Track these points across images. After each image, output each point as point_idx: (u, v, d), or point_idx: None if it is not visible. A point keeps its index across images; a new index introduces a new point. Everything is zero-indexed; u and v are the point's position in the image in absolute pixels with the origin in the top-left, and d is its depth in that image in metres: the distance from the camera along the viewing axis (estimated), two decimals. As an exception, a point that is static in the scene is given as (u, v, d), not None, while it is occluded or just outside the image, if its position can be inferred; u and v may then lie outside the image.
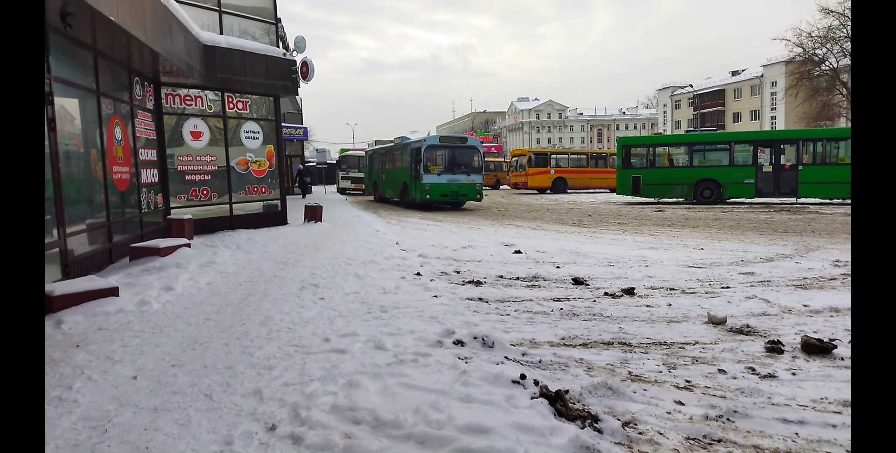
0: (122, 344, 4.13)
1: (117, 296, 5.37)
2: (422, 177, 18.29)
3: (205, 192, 11.28)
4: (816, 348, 3.89)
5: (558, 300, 5.63)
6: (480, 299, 5.65)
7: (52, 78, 6.04)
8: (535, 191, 32.36)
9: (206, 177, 11.28)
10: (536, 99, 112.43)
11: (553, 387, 3.11)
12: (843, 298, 5.44)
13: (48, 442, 2.60)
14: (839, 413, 2.94)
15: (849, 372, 3.53)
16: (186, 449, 2.54)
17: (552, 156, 33.02)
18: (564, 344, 4.17)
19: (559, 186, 31.67)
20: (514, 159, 34.43)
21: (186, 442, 2.60)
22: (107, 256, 7.61)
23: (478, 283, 6.45)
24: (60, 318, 4.69)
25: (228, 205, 11.73)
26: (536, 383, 3.19)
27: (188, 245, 8.02)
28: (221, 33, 11.12)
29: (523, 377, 3.24)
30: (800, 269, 7.12)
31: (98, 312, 4.94)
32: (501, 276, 6.87)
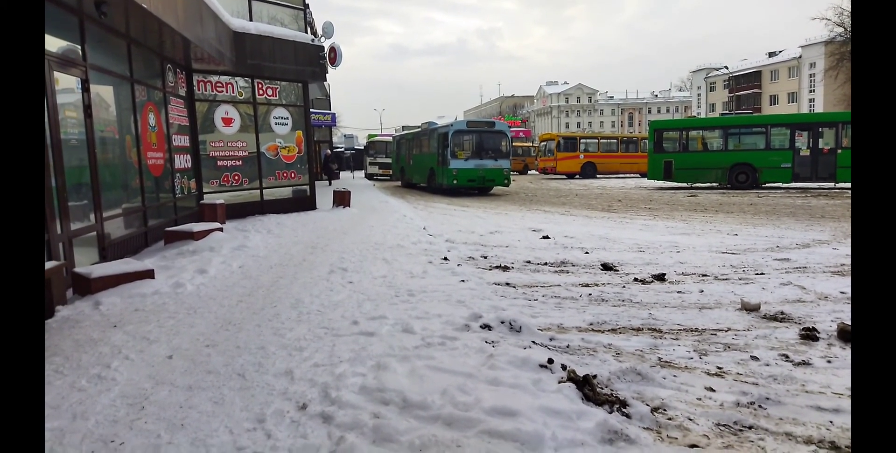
0: (158, 324, 4.25)
1: (153, 278, 5.51)
2: (449, 162, 18.24)
3: (236, 178, 11.45)
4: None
5: (587, 285, 5.58)
6: (508, 284, 5.64)
7: (87, 66, 6.17)
8: (564, 176, 32.03)
9: (238, 163, 11.45)
10: (565, 82, 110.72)
11: (581, 372, 3.10)
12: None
13: (88, 417, 2.70)
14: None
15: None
16: (220, 426, 2.61)
17: (581, 140, 32.57)
18: (593, 330, 4.15)
19: (588, 171, 31.29)
20: (542, 144, 34.08)
21: (220, 420, 2.67)
22: (142, 240, 7.81)
23: (505, 268, 6.44)
24: (98, 300, 4.84)
25: (259, 191, 11.90)
26: (564, 367, 3.18)
27: (220, 229, 8.17)
28: (251, 20, 11.19)
29: (551, 361, 3.24)
30: (837, 255, 6.92)
31: (134, 294, 5.08)
32: (529, 261, 6.84)
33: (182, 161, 9.78)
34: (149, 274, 5.53)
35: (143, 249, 7.65)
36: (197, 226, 7.77)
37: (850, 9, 34.74)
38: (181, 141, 9.80)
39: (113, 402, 2.89)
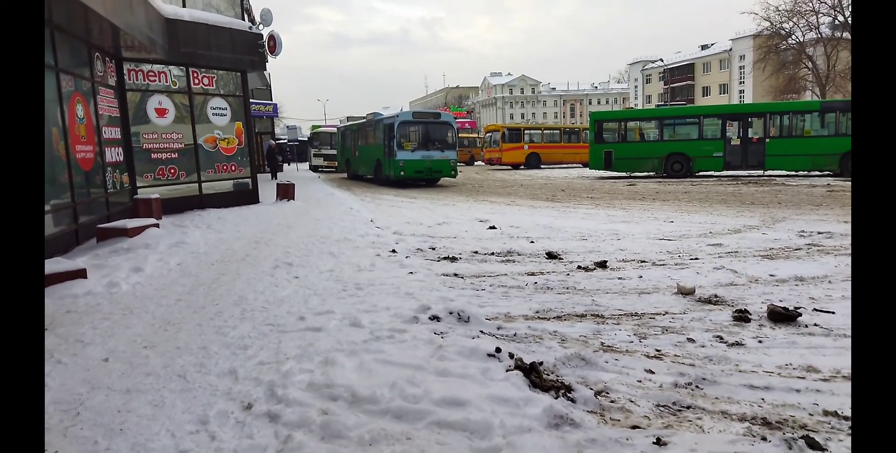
0: (92, 326, 4.06)
1: (85, 277, 5.27)
2: (395, 153, 18.12)
3: (172, 171, 11.02)
4: (782, 316, 4.01)
5: (532, 274, 5.69)
6: (456, 275, 5.68)
7: (4, 53, 5.78)
8: (510, 167, 32.40)
9: (173, 156, 11.01)
10: (509, 74, 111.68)
11: (528, 360, 3.16)
12: (808, 268, 5.61)
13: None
14: (803, 378, 3.05)
15: (813, 339, 3.66)
16: (161, 429, 2.53)
17: (525, 131, 33.02)
18: (539, 318, 4.23)
19: (533, 162, 31.76)
20: (487, 135, 34.35)
21: (161, 423, 2.59)
22: (73, 238, 7.42)
23: (453, 259, 6.48)
24: (26, 302, 4.58)
25: (197, 184, 11.49)
26: (511, 356, 3.24)
27: (157, 225, 7.87)
28: (184, 6, 10.75)
29: (498, 350, 3.28)
30: (766, 240, 7.30)
31: (66, 295, 4.84)
32: (476, 252, 6.90)
33: (113, 154, 9.34)
34: (81, 273, 5.27)
35: (74, 248, 7.28)
36: (131, 223, 7.45)
37: (775, 4, 36.46)
38: (112, 133, 9.35)
39: (45, 409, 2.74)
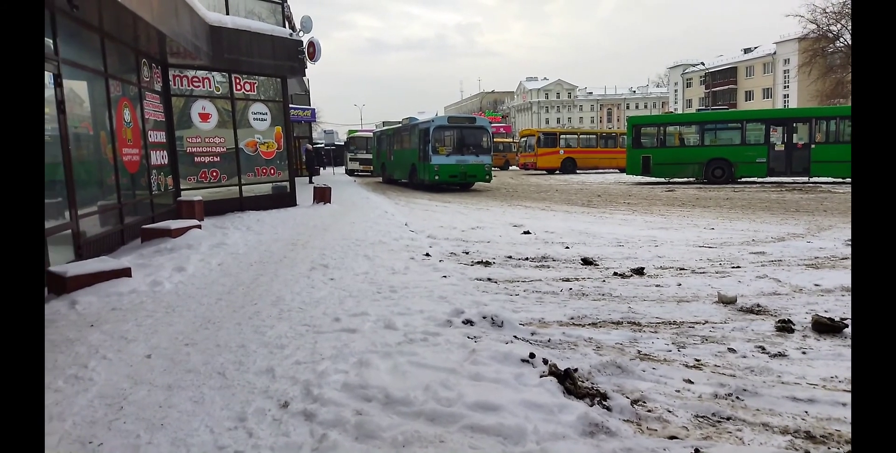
0: (136, 323, 4.19)
1: (130, 276, 5.43)
2: (430, 158, 18.21)
3: (214, 174, 11.31)
4: (827, 327, 3.88)
5: (567, 280, 5.63)
6: (489, 279, 5.66)
7: (60, 60, 6.03)
8: (545, 172, 32.15)
9: (216, 159, 11.30)
10: (545, 78, 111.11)
11: (562, 366, 3.12)
12: (855, 277, 5.40)
13: (66, 418, 2.66)
14: (849, 391, 2.94)
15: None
16: (200, 425, 2.59)
17: (561, 136, 32.73)
18: (573, 324, 4.18)
19: (568, 166, 31.45)
20: (522, 139, 34.19)
21: (200, 419, 2.65)
22: (119, 238, 7.68)
23: (487, 264, 6.46)
24: (74, 299, 4.75)
25: (238, 187, 11.77)
26: (545, 362, 3.21)
27: (199, 226, 8.07)
28: (228, 13, 11.04)
29: (532, 356, 3.26)
30: (811, 249, 7.07)
31: (111, 293, 5.00)
32: (510, 257, 6.87)
33: (158, 157, 9.63)
34: (126, 272, 5.44)
35: (120, 247, 7.53)
36: (174, 224, 7.66)
37: (822, 6, 35.38)
38: (157, 137, 9.64)
39: (91, 403, 2.84)
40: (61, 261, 5.74)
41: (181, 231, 7.52)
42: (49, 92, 5.86)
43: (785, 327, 3.97)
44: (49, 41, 5.94)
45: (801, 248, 7.12)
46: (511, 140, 45.69)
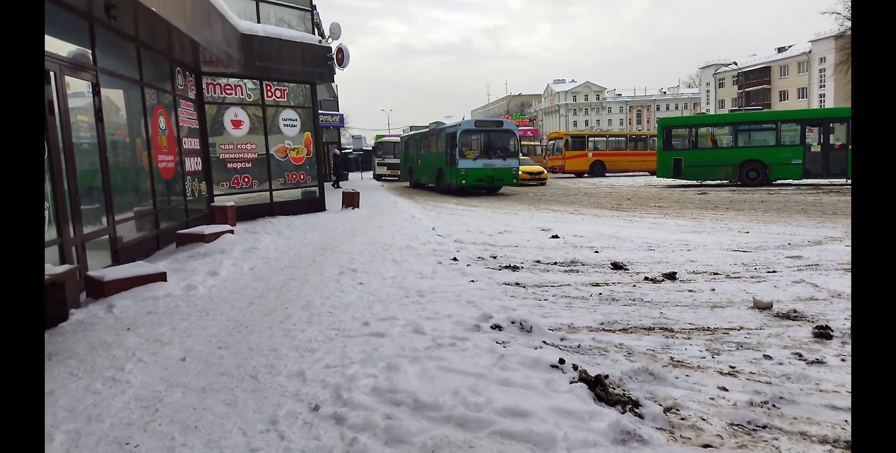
0: (171, 327, 4.28)
1: (165, 281, 5.55)
2: (457, 162, 18.23)
3: (246, 180, 11.52)
4: (868, 334, 3.75)
5: (597, 285, 5.57)
6: (517, 284, 5.63)
7: (97, 69, 6.22)
8: (573, 175, 31.95)
9: (247, 165, 11.52)
10: (573, 80, 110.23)
11: (592, 372, 3.09)
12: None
13: (103, 420, 2.73)
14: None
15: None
16: (234, 428, 2.63)
17: (589, 138, 32.48)
18: (604, 330, 4.13)
19: (597, 169, 31.19)
20: (550, 142, 34.03)
21: (234, 422, 2.69)
22: (154, 243, 7.86)
23: (515, 268, 6.43)
24: (111, 303, 4.88)
25: (269, 193, 11.97)
26: (575, 368, 3.18)
27: (231, 231, 8.21)
28: (259, 22, 11.24)
29: (562, 361, 3.23)
30: (849, 253, 6.86)
31: (147, 297, 5.12)
32: (538, 261, 6.82)
33: (192, 164, 9.84)
34: (161, 276, 5.56)
35: (155, 252, 7.71)
36: (208, 229, 7.82)
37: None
38: (191, 144, 9.86)
39: (127, 405, 2.91)
40: (99, 266, 5.90)
41: (214, 236, 7.67)
42: (87, 100, 6.05)
43: (822, 333, 3.86)
44: (87, 51, 6.13)
45: (838, 252, 6.91)
46: (538, 143, 45.44)
